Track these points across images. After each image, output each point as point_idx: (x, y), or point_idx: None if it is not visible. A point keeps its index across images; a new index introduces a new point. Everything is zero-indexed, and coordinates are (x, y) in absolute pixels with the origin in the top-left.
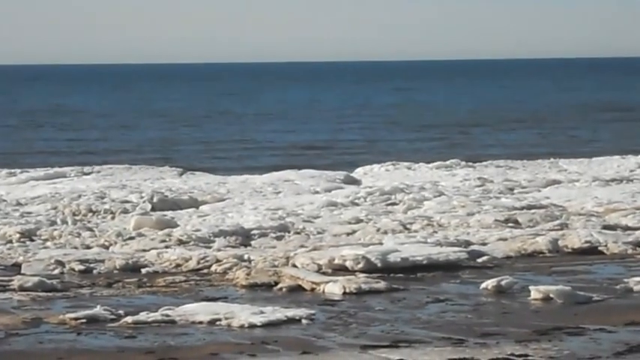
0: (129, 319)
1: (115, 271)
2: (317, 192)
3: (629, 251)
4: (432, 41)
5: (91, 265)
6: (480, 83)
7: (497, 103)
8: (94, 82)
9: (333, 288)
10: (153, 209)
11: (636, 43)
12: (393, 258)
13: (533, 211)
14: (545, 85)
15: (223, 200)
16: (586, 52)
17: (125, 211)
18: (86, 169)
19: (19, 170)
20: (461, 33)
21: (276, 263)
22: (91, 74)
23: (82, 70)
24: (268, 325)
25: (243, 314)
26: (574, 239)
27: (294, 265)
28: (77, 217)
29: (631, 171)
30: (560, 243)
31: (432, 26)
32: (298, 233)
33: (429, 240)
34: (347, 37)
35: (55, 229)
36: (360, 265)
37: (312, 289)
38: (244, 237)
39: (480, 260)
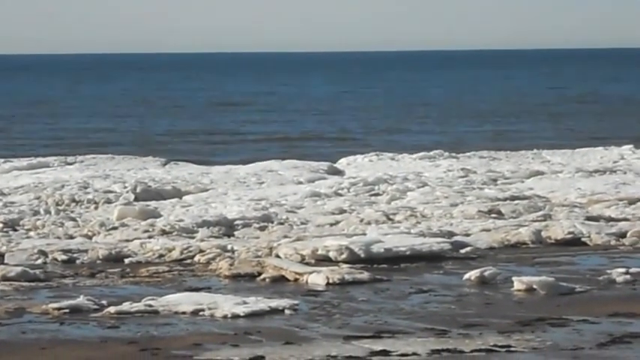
0: (112, 309)
1: (98, 261)
2: (300, 182)
3: (612, 242)
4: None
5: (74, 255)
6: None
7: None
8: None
9: (317, 278)
10: (136, 199)
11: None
12: (376, 248)
13: (516, 202)
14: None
15: (207, 190)
16: (563, 44)
17: (108, 201)
18: (69, 159)
19: (2, 160)
20: (434, 23)
21: (259, 254)
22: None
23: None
24: (251, 315)
25: (227, 304)
26: (557, 230)
27: (278, 256)
28: (60, 207)
29: (614, 162)
30: (544, 234)
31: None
32: (281, 224)
33: (412, 231)
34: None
35: (38, 219)
36: (344, 256)
37: (296, 280)
38: (227, 227)
39: (463, 251)
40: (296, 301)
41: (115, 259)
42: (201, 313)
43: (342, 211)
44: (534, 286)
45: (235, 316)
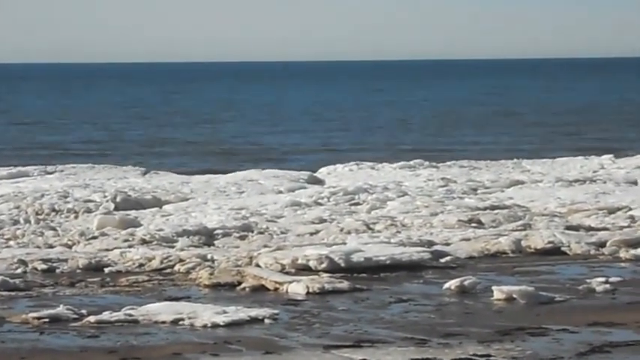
0: (92, 318)
1: (78, 271)
2: (280, 192)
3: (592, 252)
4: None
5: (54, 265)
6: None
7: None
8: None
9: (297, 288)
10: (116, 209)
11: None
12: (356, 258)
13: (496, 211)
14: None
15: (187, 200)
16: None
17: (88, 211)
18: (49, 168)
19: None
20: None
21: (239, 263)
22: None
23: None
24: (231, 324)
25: (206, 314)
26: (537, 240)
27: (258, 265)
28: (40, 217)
29: (594, 172)
30: (523, 243)
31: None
32: (262, 233)
33: (392, 240)
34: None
35: (18, 229)
36: (324, 265)
37: (276, 289)
38: (207, 237)
39: (443, 260)
40: (276, 311)
41: (95, 268)
42: (181, 322)
43: (322, 221)
44: (514, 296)
45: (215, 326)
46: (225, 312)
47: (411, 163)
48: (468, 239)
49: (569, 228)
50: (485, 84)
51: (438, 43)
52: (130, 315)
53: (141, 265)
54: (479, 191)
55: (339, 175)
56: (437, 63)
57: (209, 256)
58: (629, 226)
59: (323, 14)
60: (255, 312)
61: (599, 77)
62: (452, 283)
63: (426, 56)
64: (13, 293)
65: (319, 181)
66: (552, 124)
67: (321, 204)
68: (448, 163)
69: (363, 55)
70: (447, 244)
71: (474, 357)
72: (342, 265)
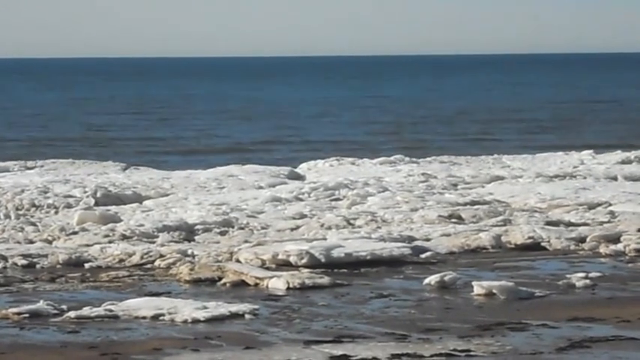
0: (72, 313)
1: (58, 266)
2: (261, 187)
3: (572, 247)
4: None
5: (34, 260)
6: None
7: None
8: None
9: (277, 283)
10: (96, 204)
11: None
12: (336, 253)
13: (476, 206)
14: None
15: (167, 195)
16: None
17: (68, 206)
18: (29, 163)
19: None
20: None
21: (219, 258)
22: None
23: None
24: (212, 320)
25: (187, 309)
26: (517, 235)
27: (238, 261)
28: (20, 212)
29: (574, 167)
30: (504, 239)
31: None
32: (242, 228)
33: (372, 235)
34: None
35: None
36: (304, 261)
37: (256, 285)
38: (188, 232)
39: (423, 256)
40: (256, 306)
41: (75, 263)
42: (161, 317)
43: (302, 216)
44: (494, 291)
45: (195, 321)
46: (205, 307)
47: (392, 158)
48: (449, 235)
49: (549, 223)
50: (464, 80)
51: (409, 39)
52: (111, 310)
53: (121, 260)
54: (459, 187)
55: (319, 171)
56: (413, 58)
57: (189, 252)
58: (609, 222)
59: (321, 11)
60: (235, 307)
61: (563, 73)
62: (432, 279)
63: (393, 52)
64: None
65: (300, 177)
66: (529, 119)
67: (301, 199)
68: (428, 158)
69: (338, 50)
70: (428, 240)
71: (454, 352)
72: (323, 260)
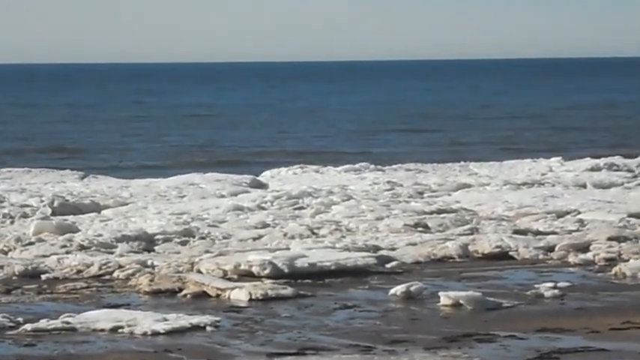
0: (28, 326)
1: (14, 277)
2: (223, 196)
3: (540, 256)
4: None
5: None
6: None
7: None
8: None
9: (239, 294)
10: (53, 214)
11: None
12: (300, 263)
13: (443, 215)
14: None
15: (126, 204)
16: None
17: (25, 216)
18: None
19: None
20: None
21: (180, 269)
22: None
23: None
24: (172, 332)
25: (146, 321)
26: (484, 244)
27: (199, 271)
28: None
29: (542, 174)
30: (471, 248)
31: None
32: (203, 238)
33: (337, 245)
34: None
35: None
36: (267, 271)
37: (218, 296)
38: (148, 242)
39: (388, 265)
40: (218, 318)
41: (32, 275)
42: (120, 330)
43: (265, 225)
44: (461, 301)
45: (155, 334)
46: (165, 319)
47: (357, 166)
48: (415, 244)
49: (517, 232)
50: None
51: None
52: (68, 323)
53: (79, 271)
54: (425, 195)
55: (282, 179)
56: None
57: (149, 262)
58: (577, 230)
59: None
60: (196, 319)
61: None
62: (398, 289)
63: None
64: None
65: (262, 185)
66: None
67: (264, 208)
68: (394, 166)
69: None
70: (393, 249)
71: None
72: (286, 270)
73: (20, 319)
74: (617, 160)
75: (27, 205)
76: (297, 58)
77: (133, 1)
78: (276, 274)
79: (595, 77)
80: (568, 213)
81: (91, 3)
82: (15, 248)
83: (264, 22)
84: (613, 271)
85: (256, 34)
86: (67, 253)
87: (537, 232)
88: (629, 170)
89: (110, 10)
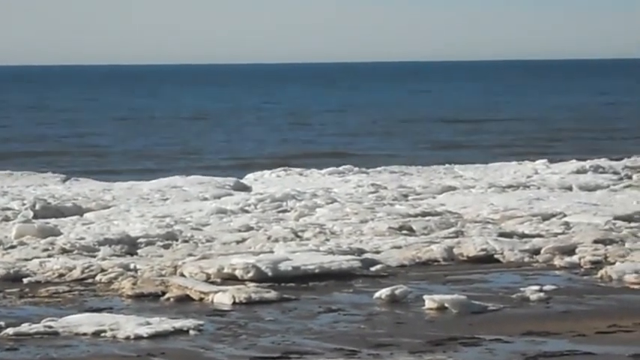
0: (10, 330)
1: None
2: (206, 199)
3: (526, 259)
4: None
5: None
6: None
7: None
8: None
9: (223, 298)
10: (35, 217)
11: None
12: (284, 267)
13: (427, 218)
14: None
15: (108, 207)
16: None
17: (6, 219)
18: None
19: None
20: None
21: (163, 272)
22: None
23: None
24: (155, 336)
25: (129, 325)
26: (469, 247)
27: (182, 275)
28: None
29: (527, 177)
30: (456, 251)
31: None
32: (186, 241)
33: (321, 248)
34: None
35: None
36: (250, 274)
37: (201, 299)
38: (130, 245)
39: (373, 269)
40: (201, 322)
41: (14, 278)
42: (102, 334)
43: (248, 229)
44: (446, 305)
45: (138, 337)
46: (148, 323)
47: (340, 169)
48: (399, 247)
49: (502, 235)
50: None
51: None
52: (50, 327)
53: (61, 275)
54: (410, 197)
55: (266, 182)
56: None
57: (132, 266)
58: (563, 233)
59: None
60: (179, 323)
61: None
62: (382, 292)
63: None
64: None
65: (246, 188)
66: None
67: (247, 211)
68: (378, 168)
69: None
70: (378, 252)
71: None
72: (270, 274)
73: (2, 323)
74: (602, 162)
75: (8, 209)
76: (290, 59)
77: (123, 4)
78: (260, 278)
79: (589, 79)
80: (554, 216)
81: (87, 4)
82: None
83: (255, 24)
84: (599, 274)
85: (244, 36)
86: (49, 256)
87: (523, 235)
88: (615, 172)
89: (105, 12)
